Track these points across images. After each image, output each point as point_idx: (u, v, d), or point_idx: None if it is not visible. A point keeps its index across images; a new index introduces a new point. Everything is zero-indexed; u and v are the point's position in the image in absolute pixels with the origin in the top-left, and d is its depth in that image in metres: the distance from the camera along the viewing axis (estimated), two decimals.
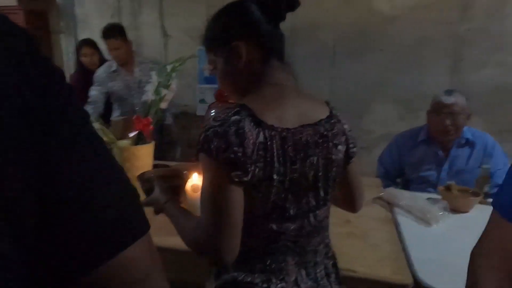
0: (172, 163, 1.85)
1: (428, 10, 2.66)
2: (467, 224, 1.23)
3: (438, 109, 1.57)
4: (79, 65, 2.83)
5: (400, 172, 1.79)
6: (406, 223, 1.21)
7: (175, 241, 0.79)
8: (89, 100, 2.58)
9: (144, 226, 0.33)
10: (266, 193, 0.64)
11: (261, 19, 0.68)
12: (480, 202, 1.32)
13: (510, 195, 0.43)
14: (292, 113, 0.67)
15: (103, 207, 0.29)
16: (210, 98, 3.27)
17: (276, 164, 0.63)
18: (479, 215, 1.30)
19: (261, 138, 0.61)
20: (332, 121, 0.72)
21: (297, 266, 0.71)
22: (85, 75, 2.74)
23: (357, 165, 0.80)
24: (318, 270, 0.75)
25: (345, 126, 0.75)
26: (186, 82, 3.34)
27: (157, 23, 3.29)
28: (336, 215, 1.25)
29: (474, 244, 1.07)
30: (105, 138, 1.30)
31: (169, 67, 1.49)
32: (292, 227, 0.69)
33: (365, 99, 2.93)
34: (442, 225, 1.19)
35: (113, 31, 2.44)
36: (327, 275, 0.77)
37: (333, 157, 0.70)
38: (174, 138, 3.47)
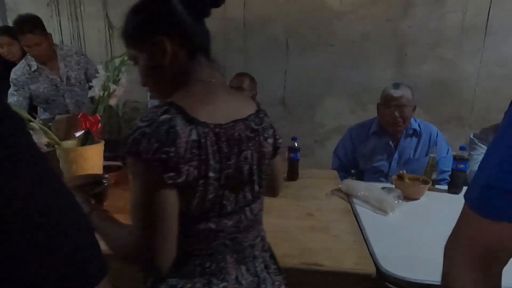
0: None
1: (374, 7, 2.78)
2: (420, 211, 1.30)
3: (387, 101, 1.65)
4: None
5: (354, 164, 1.86)
6: (364, 213, 1.25)
7: (104, 247, 0.72)
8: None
9: (102, 269, 0.31)
10: (203, 192, 0.63)
11: (185, 14, 0.65)
12: (430, 189, 1.41)
13: (478, 188, 0.44)
14: (223, 109, 0.67)
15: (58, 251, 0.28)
16: None
17: (211, 162, 0.62)
18: (429, 201, 1.39)
19: (194, 136, 0.59)
20: (261, 115, 0.74)
21: (237, 263, 0.71)
22: (5, 70, 2.34)
23: (280, 155, 0.84)
24: (257, 264, 0.75)
25: (271, 120, 0.78)
26: (135, 77, 3.16)
27: (100, 14, 3.07)
28: (298, 209, 1.27)
29: (427, 229, 1.15)
30: (46, 139, 1.17)
31: (117, 61, 1.39)
32: (229, 224, 0.69)
33: (317, 93, 3.00)
34: (397, 213, 1.25)
35: (29, 25, 2.05)
36: (266, 267, 0.77)
37: (265, 150, 0.72)
38: (122, 136, 3.29)
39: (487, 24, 2.67)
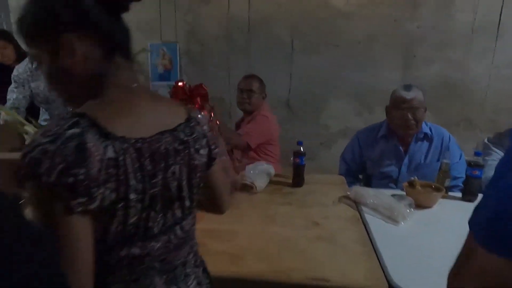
0: None
1: (381, 7, 2.72)
2: (433, 220, 1.24)
3: (398, 104, 1.58)
4: None
5: (362, 168, 1.79)
6: (374, 222, 1.18)
7: None
8: (7, 104, 2.16)
9: None
10: (123, 217, 0.54)
11: (97, 8, 0.56)
12: (443, 197, 1.34)
13: (485, 218, 0.38)
14: (146, 119, 0.59)
15: None
16: (165, 95, 3.09)
17: (132, 182, 0.54)
18: (443, 209, 1.32)
19: (110, 153, 0.51)
20: (192, 124, 0.65)
21: (167, 285, 0.64)
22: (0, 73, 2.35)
23: (221, 164, 0.75)
24: (189, 282, 0.68)
25: (205, 128, 0.68)
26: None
27: None
28: (303, 217, 1.21)
29: (441, 240, 1.08)
30: None
31: None
32: (157, 246, 0.61)
33: (322, 94, 2.94)
34: (409, 222, 1.18)
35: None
36: (199, 284, 0.71)
37: (196, 162, 0.64)
38: None
39: (499, 25, 2.59)
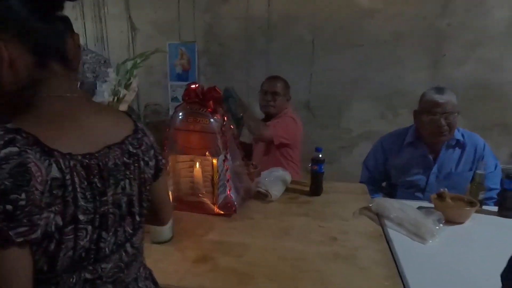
0: None
1: (408, 5, 2.57)
2: (465, 237, 1.12)
3: (429, 108, 1.46)
4: None
5: (385, 177, 1.68)
6: (398, 238, 1.08)
7: None
8: None
9: None
10: (72, 241, 0.49)
11: (24, 8, 0.49)
12: (476, 211, 1.21)
13: None
14: (91, 133, 0.54)
15: None
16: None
17: (80, 202, 0.49)
18: (475, 225, 1.20)
19: (54, 173, 0.46)
20: (139, 136, 0.62)
21: None
22: None
23: (165, 176, 0.72)
24: None
25: (151, 138, 0.66)
26: (155, 79, 3.12)
27: (123, 15, 3.04)
28: (320, 231, 1.12)
29: (475, 260, 0.97)
30: None
31: (129, 64, 1.30)
32: (109, 267, 0.57)
33: (344, 96, 2.81)
34: (437, 240, 1.07)
35: None
36: None
37: (146, 176, 0.62)
38: None
39: None
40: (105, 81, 1.28)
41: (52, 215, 0.46)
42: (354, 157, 2.88)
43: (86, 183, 0.50)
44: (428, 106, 1.46)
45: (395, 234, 1.11)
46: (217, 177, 1.25)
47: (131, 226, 0.61)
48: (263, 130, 1.80)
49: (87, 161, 0.50)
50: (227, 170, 1.24)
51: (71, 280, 0.52)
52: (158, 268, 0.90)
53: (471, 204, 1.22)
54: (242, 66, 2.94)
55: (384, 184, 1.75)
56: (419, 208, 1.24)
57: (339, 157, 2.92)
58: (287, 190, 1.45)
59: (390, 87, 2.75)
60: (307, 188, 1.44)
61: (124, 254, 0.60)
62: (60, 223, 0.47)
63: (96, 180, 0.51)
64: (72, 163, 0.48)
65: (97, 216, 0.52)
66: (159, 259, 0.95)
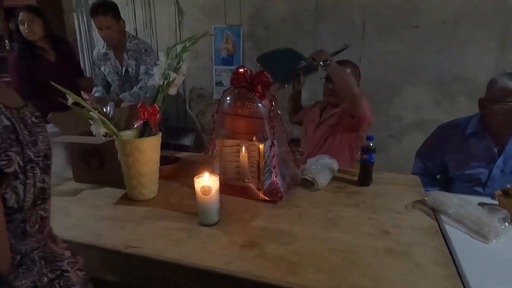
0: (183, 154, 1.70)
1: None
2: None
3: (502, 97, 1.32)
4: (18, 37, 2.38)
5: (441, 169, 1.56)
6: (457, 236, 1.01)
7: None
8: (95, 82, 2.56)
9: None
10: (32, 178, 0.62)
11: None
12: None
13: None
14: (9, 92, 0.65)
15: None
16: (227, 81, 3.07)
17: (29, 145, 0.62)
18: None
19: (5, 121, 0.58)
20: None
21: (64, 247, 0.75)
22: (26, 49, 2.36)
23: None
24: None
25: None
26: (201, 63, 3.15)
27: (171, 0, 3.07)
28: (371, 223, 1.07)
29: None
30: (104, 130, 1.14)
31: (179, 47, 1.30)
32: (49, 208, 0.71)
33: (396, 82, 2.66)
34: (502, 240, 0.98)
35: (102, 8, 2.23)
36: None
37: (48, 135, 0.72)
38: (188, 123, 3.32)
39: None
40: (156, 65, 1.30)
41: (14, 155, 0.57)
42: (403, 146, 2.74)
43: (25, 131, 0.61)
44: (501, 94, 1.32)
45: (453, 231, 1.03)
46: (263, 162, 1.24)
47: (49, 176, 0.71)
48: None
49: (21, 114, 0.62)
50: (273, 156, 1.22)
51: (33, 217, 0.64)
52: (207, 250, 0.92)
53: None
54: None
55: (438, 176, 1.64)
56: (481, 204, 1.15)
57: (387, 146, 2.78)
58: (334, 179, 1.41)
59: (448, 73, 2.55)
60: (355, 178, 1.39)
61: (50, 200, 0.72)
62: (21, 163, 0.59)
63: (28, 129, 0.63)
64: (14, 114, 0.60)
65: (40, 159, 0.64)
66: (207, 241, 0.96)
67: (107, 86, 2.63)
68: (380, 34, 2.60)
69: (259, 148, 1.24)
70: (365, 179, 1.35)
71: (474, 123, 1.45)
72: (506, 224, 1.03)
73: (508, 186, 1.14)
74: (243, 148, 1.28)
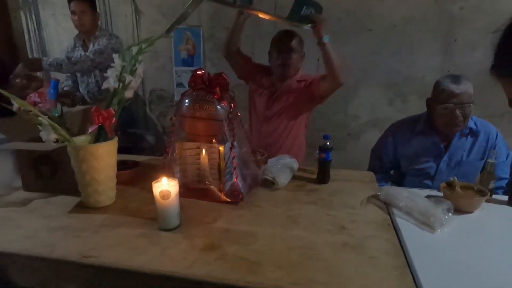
0: (142, 158, 1.66)
1: None
2: (475, 226, 1.11)
3: (445, 99, 1.43)
4: None
5: (394, 165, 1.66)
6: (407, 228, 1.07)
7: None
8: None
9: None
10: None
11: None
12: (486, 200, 1.20)
13: None
14: None
15: None
16: (187, 82, 3.03)
17: None
18: (485, 215, 1.18)
19: None
20: None
21: None
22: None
23: None
24: None
25: None
26: (161, 64, 3.09)
27: None
28: (328, 220, 1.11)
29: (484, 249, 0.97)
30: (55, 136, 1.09)
31: (134, 49, 1.27)
32: None
33: (352, 82, 2.77)
34: (447, 230, 1.06)
35: None
36: None
37: None
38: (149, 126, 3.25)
39: None
40: (110, 67, 1.26)
41: None
42: (361, 144, 2.86)
43: None
44: (443, 96, 1.43)
45: (403, 223, 1.10)
46: (224, 164, 1.25)
47: None
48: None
49: None
50: (234, 157, 1.23)
51: None
52: (167, 255, 0.91)
53: (481, 193, 1.20)
54: (248, 51, 2.89)
55: (392, 172, 1.73)
56: (428, 196, 1.23)
57: (346, 145, 2.90)
58: (294, 177, 1.45)
59: (399, 73, 2.70)
60: (314, 176, 1.43)
61: None
62: None
63: None
64: None
65: None
66: (168, 246, 0.95)
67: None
68: (336, 37, 2.68)
69: (219, 150, 1.25)
70: (323, 177, 1.40)
71: (422, 121, 1.55)
72: (450, 214, 1.11)
73: (452, 179, 1.24)
74: (203, 151, 1.28)
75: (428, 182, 1.55)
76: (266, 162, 1.47)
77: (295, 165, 1.47)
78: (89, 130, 1.22)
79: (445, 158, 1.50)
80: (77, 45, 2.51)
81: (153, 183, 1.00)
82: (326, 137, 1.36)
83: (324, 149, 1.36)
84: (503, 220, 1.17)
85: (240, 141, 1.30)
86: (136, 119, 3.23)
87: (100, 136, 1.19)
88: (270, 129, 1.84)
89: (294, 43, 1.78)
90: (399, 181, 1.66)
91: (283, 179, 1.35)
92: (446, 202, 1.14)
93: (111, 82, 1.23)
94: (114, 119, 1.19)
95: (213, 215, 1.13)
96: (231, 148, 1.23)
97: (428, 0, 2.50)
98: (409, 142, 1.57)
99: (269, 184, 1.35)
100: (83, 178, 1.12)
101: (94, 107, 1.18)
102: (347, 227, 1.07)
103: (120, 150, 1.24)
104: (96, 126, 1.19)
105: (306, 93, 1.81)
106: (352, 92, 2.81)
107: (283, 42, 1.78)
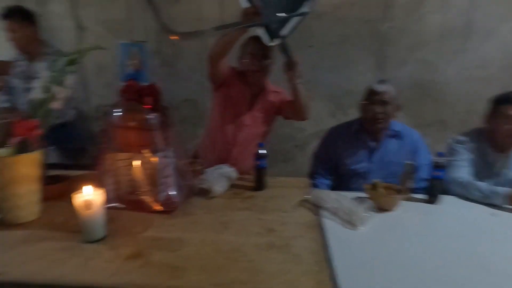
0: (77, 172, 1.60)
1: (353, 8, 2.69)
2: (394, 223, 1.19)
3: (369, 96, 1.58)
4: None
5: (334, 166, 1.74)
6: (332, 227, 1.13)
7: None
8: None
9: None
10: None
11: None
12: (406, 199, 1.30)
13: None
14: None
15: None
16: None
17: None
18: (404, 212, 1.28)
19: None
20: None
21: None
22: None
23: None
24: None
25: None
26: (107, 80, 3.02)
27: (70, 14, 2.91)
28: (259, 223, 1.14)
29: (402, 244, 1.04)
30: None
31: (64, 60, 1.25)
32: None
33: None
34: (368, 226, 1.14)
35: (10, 11, 2.20)
36: None
37: None
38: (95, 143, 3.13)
39: (469, 26, 2.61)
40: (38, 78, 1.23)
41: None
42: (307, 154, 2.95)
43: None
44: (367, 94, 1.58)
45: (330, 223, 1.16)
46: (157, 174, 1.24)
47: None
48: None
49: None
50: (167, 167, 1.23)
51: None
52: (88, 267, 0.89)
53: (399, 192, 1.30)
54: (196, 67, 2.92)
55: (330, 177, 1.81)
56: (355, 198, 1.31)
57: (294, 156, 2.99)
58: (233, 186, 1.47)
59: (339, 87, 2.86)
60: (253, 184, 1.47)
61: None
62: None
63: None
64: None
65: None
66: (91, 257, 0.92)
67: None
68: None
69: (152, 160, 1.24)
70: (259, 184, 1.43)
71: (357, 124, 1.67)
72: (372, 212, 1.19)
73: (375, 180, 1.33)
74: (136, 161, 1.26)
75: (361, 182, 1.64)
76: (204, 172, 1.48)
77: (233, 175, 1.50)
78: (12, 142, 1.17)
79: (375, 158, 1.62)
80: (19, 60, 2.39)
81: (73, 193, 0.97)
82: (260, 145, 1.41)
83: (260, 157, 1.40)
84: (421, 216, 1.27)
85: (176, 150, 1.31)
86: (81, 135, 3.10)
87: (22, 148, 1.14)
88: (242, 138, 1.79)
89: (267, 48, 1.77)
90: (339, 183, 1.74)
91: (219, 187, 1.37)
92: (368, 201, 1.22)
93: (37, 93, 1.19)
94: (38, 131, 1.15)
95: (144, 225, 1.12)
96: (164, 158, 1.24)
97: (360, 20, 2.70)
98: (346, 143, 1.68)
99: (205, 192, 1.36)
100: (1, 192, 1.06)
101: (16, 119, 1.14)
102: (276, 229, 1.10)
103: (61, 167, 1.20)
104: (19, 138, 1.14)
105: (277, 108, 1.85)
106: None
107: (256, 48, 1.75)
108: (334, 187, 1.73)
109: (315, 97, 2.88)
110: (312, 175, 1.76)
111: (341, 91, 2.86)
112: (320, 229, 1.12)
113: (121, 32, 2.90)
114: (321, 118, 2.94)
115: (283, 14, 1.61)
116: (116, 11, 2.87)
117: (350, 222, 1.13)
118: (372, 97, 1.57)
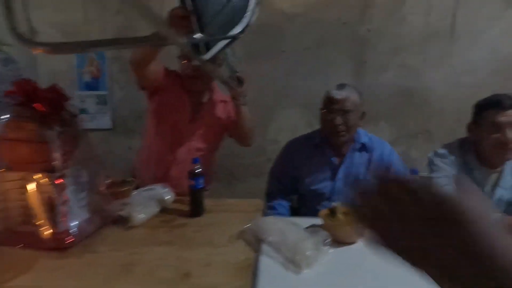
0: None
1: (329, 9, 2.48)
2: (353, 262, 0.92)
3: (327, 105, 1.32)
4: None
5: (292, 185, 1.47)
6: (270, 270, 0.86)
7: None
8: None
9: None
10: None
11: None
12: None
13: None
14: None
15: None
16: (92, 107, 2.73)
17: None
18: (368, 248, 1.01)
19: None
20: None
21: None
22: None
23: None
24: None
25: None
26: (62, 88, 2.78)
27: (19, 16, 2.67)
28: (179, 264, 0.86)
29: None
30: None
31: None
32: None
33: (269, 105, 2.64)
34: (318, 267, 0.87)
35: None
36: None
37: None
38: None
39: (453, 28, 2.40)
40: None
41: None
42: None
43: None
44: (325, 102, 1.33)
45: (268, 264, 0.89)
46: (56, 200, 0.97)
47: None
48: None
49: None
50: (66, 190, 0.97)
51: None
52: None
53: None
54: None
55: (291, 197, 1.55)
56: (310, 227, 1.04)
57: (266, 170, 2.72)
58: (165, 211, 1.20)
59: (316, 94, 2.59)
60: (188, 209, 1.20)
61: None
62: None
63: None
64: None
65: None
66: None
67: None
68: (248, 58, 2.58)
69: (49, 182, 0.97)
70: (195, 208, 1.17)
71: (318, 136, 1.41)
72: (325, 247, 0.92)
73: (334, 204, 1.06)
74: (30, 183, 1.00)
75: (326, 204, 1.38)
76: (130, 193, 1.21)
77: (167, 197, 1.23)
78: None
79: (340, 175, 1.35)
80: None
81: None
82: (195, 161, 1.14)
83: (193, 175, 1.14)
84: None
85: (86, 168, 1.05)
86: None
87: None
88: (183, 153, 1.47)
89: None
90: (302, 204, 1.47)
91: (142, 214, 1.10)
92: (322, 233, 0.96)
93: None
94: None
95: (20, 268, 0.84)
96: (65, 179, 0.97)
97: (337, 22, 2.49)
98: (305, 159, 1.41)
99: (123, 222, 1.08)
100: None
101: None
102: (194, 274, 0.83)
103: None
104: None
105: (224, 125, 1.59)
106: (270, 115, 2.68)
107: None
108: (296, 209, 1.47)
109: (291, 106, 2.64)
110: (269, 195, 1.48)
111: (318, 98, 2.60)
112: (253, 272, 0.85)
113: (77, 36, 2.66)
114: (297, 128, 2.68)
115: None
116: (72, 13, 2.64)
117: (293, 262, 0.86)
118: (330, 105, 1.31)
